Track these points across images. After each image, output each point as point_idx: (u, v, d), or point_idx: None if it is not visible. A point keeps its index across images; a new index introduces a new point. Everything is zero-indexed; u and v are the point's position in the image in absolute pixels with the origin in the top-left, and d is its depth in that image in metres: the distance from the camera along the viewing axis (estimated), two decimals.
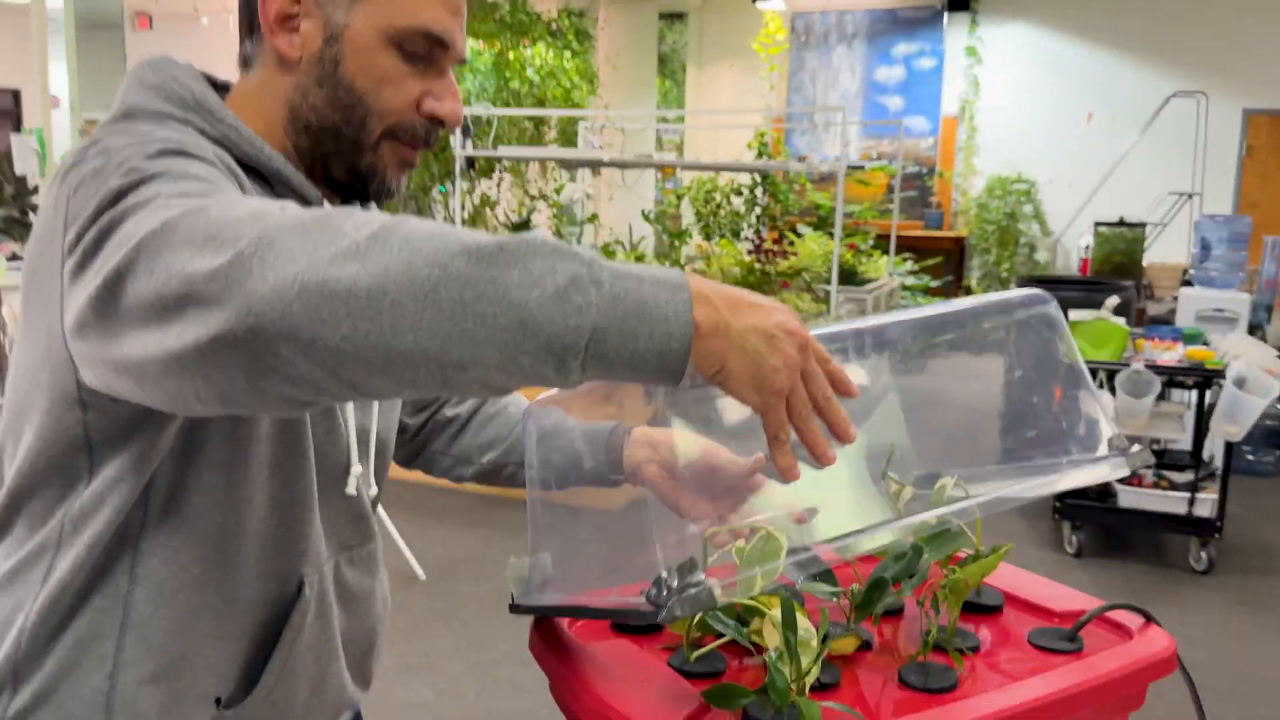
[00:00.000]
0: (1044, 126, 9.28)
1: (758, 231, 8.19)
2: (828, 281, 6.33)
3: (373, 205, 1.00)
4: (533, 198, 8.20)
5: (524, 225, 7.16)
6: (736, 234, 8.58)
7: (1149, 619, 0.96)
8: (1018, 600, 1.03)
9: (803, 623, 0.79)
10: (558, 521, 0.98)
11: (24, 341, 0.86)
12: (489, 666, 3.12)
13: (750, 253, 6.70)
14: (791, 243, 7.63)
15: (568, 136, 8.56)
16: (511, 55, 8.03)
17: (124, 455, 0.83)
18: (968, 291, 9.37)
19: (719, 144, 9.98)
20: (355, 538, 1.02)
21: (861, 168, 7.34)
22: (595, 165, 6.13)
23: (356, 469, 0.98)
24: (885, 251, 8.32)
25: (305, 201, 0.93)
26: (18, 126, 11.38)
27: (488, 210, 8.37)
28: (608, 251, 6.54)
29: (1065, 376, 0.99)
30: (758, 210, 8.44)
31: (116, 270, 0.68)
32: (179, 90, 0.89)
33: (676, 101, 10.34)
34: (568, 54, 8.50)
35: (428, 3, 0.91)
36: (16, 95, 12.26)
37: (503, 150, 6.22)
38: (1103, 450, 0.97)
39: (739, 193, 8.59)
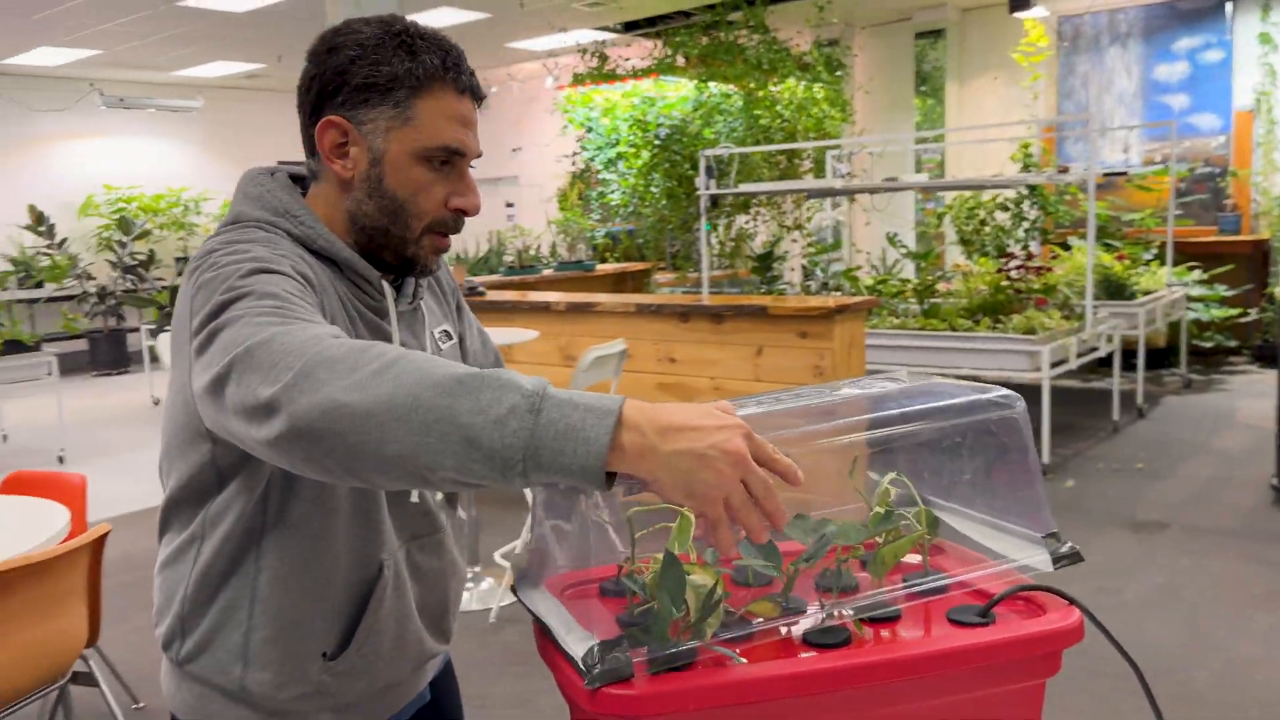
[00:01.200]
0: None
1: (1025, 246, 7.92)
2: (1093, 296, 6.06)
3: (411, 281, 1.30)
4: (786, 228, 8.39)
5: (766, 257, 7.38)
6: (1001, 250, 8.33)
7: (1068, 600, 1.06)
8: (966, 585, 1.15)
9: (699, 579, 0.99)
10: (558, 508, 1.22)
11: (169, 389, 1.21)
12: None
13: (998, 271, 6.49)
14: (1056, 256, 7.34)
15: (822, 166, 8.68)
16: (761, 93, 8.27)
17: (242, 475, 1.16)
18: (1271, 301, 8.53)
19: (984, 159, 9.72)
20: (424, 529, 1.30)
21: (1123, 173, 6.92)
22: (829, 194, 6.26)
23: None
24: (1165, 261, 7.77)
25: (366, 281, 1.23)
26: None
27: (744, 244, 8.67)
28: (849, 275, 6.61)
29: (1019, 467, 1.13)
30: (1025, 225, 8.15)
31: (220, 375, 0.96)
32: (272, 201, 1.21)
33: (939, 119, 10.19)
34: (817, 86, 8.62)
35: (444, 124, 1.18)
36: None
37: (743, 187, 6.47)
38: (1038, 542, 1.10)
39: (1005, 208, 8.33)
